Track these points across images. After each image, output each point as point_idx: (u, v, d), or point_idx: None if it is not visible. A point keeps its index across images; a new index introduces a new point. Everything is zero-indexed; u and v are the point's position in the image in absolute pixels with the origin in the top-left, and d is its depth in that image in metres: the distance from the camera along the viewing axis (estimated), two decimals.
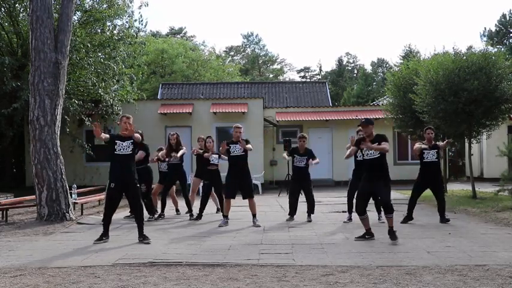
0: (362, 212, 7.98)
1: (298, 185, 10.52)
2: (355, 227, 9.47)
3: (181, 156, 11.29)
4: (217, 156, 11.02)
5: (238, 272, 5.90)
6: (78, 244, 8.00)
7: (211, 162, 10.98)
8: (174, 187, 12.11)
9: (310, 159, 10.45)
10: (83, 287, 5.35)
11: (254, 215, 9.90)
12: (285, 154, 10.87)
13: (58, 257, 6.94)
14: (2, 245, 8.03)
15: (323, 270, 5.93)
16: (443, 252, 6.87)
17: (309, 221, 10.24)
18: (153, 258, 6.67)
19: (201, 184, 11.57)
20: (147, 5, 19.03)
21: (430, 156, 9.83)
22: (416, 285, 5.19)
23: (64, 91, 11.84)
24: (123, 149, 8.01)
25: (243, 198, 10.01)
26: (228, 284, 5.36)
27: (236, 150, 9.75)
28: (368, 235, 8.04)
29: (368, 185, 7.91)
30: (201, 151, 11.25)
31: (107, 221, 8.17)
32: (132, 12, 18.89)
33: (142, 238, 8.00)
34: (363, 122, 7.95)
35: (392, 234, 7.72)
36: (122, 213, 12.00)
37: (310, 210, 10.45)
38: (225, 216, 9.94)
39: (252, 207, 9.93)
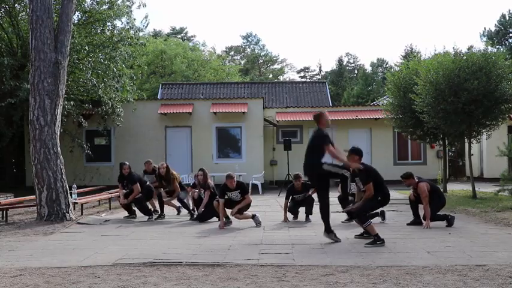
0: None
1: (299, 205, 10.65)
2: (355, 226, 9.46)
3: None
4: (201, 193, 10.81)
5: (238, 272, 5.90)
6: (78, 244, 8.01)
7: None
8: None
9: (310, 192, 10.46)
10: (83, 287, 5.35)
11: (253, 216, 9.90)
12: (283, 213, 10.54)
13: (58, 257, 6.93)
14: (2, 245, 8.03)
15: (323, 270, 5.93)
16: (443, 252, 6.86)
17: (308, 221, 10.24)
18: (153, 258, 6.67)
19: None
20: (145, 5, 19.08)
21: None
22: (416, 285, 5.19)
23: (64, 91, 11.85)
24: None
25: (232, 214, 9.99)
26: (228, 284, 5.36)
27: (233, 196, 9.84)
28: (366, 234, 8.04)
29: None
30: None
31: None
32: (131, 11, 18.89)
33: None
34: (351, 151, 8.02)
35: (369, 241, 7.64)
36: (121, 213, 12.02)
37: (309, 211, 10.45)
38: (225, 218, 9.90)
39: (246, 218, 9.94)
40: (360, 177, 7.84)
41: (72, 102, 16.70)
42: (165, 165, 11.44)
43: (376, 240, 7.46)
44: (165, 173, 11.31)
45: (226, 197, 9.83)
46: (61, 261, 6.67)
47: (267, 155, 21.20)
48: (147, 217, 11.03)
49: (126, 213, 11.54)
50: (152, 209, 11.34)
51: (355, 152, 7.92)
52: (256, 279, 5.55)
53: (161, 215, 11.19)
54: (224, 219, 9.85)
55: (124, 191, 11.31)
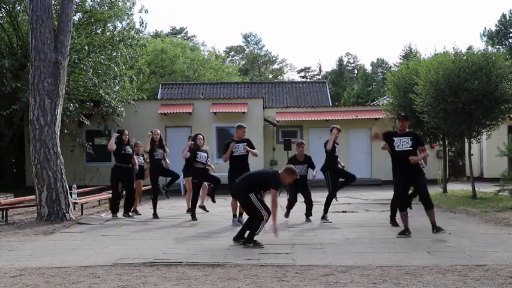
0: (404, 208, 8.17)
1: (295, 189, 10.41)
2: (355, 227, 9.47)
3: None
4: (205, 155, 11.00)
5: (238, 272, 5.90)
6: (78, 244, 8.01)
7: (198, 160, 10.93)
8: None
9: (311, 170, 10.42)
10: (83, 287, 5.35)
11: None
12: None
13: (58, 257, 6.93)
14: (2, 245, 8.03)
15: (323, 270, 5.93)
16: (443, 252, 6.86)
17: (308, 221, 10.21)
18: (153, 258, 6.67)
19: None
20: (147, 11, 19.10)
21: None
22: (416, 285, 5.19)
23: (64, 91, 11.84)
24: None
25: None
26: (228, 284, 5.36)
27: (239, 150, 9.70)
28: (407, 232, 8.14)
29: (403, 175, 8.11)
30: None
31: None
32: (132, 14, 18.92)
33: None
34: (402, 116, 8.26)
35: (437, 228, 7.99)
36: (121, 213, 12.00)
37: (308, 212, 10.39)
38: (236, 216, 9.71)
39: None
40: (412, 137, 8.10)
41: (76, 104, 16.71)
42: (158, 131, 11.59)
43: (406, 231, 8.06)
44: (159, 139, 11.44)
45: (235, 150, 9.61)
46: (61, 261, 6.67)
47: (267, 155, 21.19)
48: (125, 214, 11.19)
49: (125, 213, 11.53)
50: (133, 209, 11.59)
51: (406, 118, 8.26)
52: (256, 279, 5.55)
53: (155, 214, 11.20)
54: (235, 218, 9.74)
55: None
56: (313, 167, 10.43)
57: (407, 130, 8.21)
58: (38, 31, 11.14)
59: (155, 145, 11.33)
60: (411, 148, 7.98)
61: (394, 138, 8.11)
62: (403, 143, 8.02)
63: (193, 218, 10.71)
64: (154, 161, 11.35)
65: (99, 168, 20.08)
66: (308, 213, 10.38)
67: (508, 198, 12.21)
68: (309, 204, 10.39)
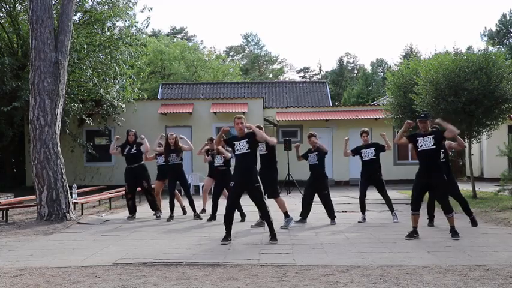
0: (416, 208, 8.07)
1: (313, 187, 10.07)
2: (355, 226, 9.47)
3: (180, 155, 11.24)
4: (220, 156, 10.76)
5: (239, 272, 5.90)
6: (78, 244, 8.01)
7: (216, 164, 10.84)
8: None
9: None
10: (83, 287, 5.35)
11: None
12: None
13: (58, 257, 6.94)
14: (2, 245, 8.03)
15: (323, 270, 5.93)
16: (443, 252, 6.86)
17: (304, 222, 10.02)
18: (153, 258, 6.67)
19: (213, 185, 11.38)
20: (151, 9, 18.98)
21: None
22: (416, 285, 5.19)
23: (64, 91, 11.84)
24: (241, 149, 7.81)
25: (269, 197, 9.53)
26: (228, 284, 5.36)
27: (262, 148, 9.34)
28: (416, 234, 8.04)
29: (425, 176, 7.99)
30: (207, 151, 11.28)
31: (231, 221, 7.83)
32: (135, 15, 18.86)
33: (272, 238, 7.78)
34: (422, 118, 8.21)
35: (454, 232, 7.93)
36: (121, 213, 12.02)
37: (305, 214, 10.10)
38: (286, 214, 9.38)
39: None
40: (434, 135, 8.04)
41: (80, 104, 16.69)
42: (174, 135, 11.31)
43: (414, 233, 8.03)
44: (175, 143, 11.15)
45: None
46: (61, 261, 6.67)
47: None
48: (154, 212, 11.10)
49: (127, 213, 11.53)
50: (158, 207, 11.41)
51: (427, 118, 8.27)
52: (256, 279, 5.55)
53: (171, 217, 10.88)
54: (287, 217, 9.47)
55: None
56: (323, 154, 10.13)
57: (430, 129, 8.19)
58: (38, 31, 11.14)
59: (170, 149, 11.09)
60: (434, 146, 7.94)
61: (417, 139, 8.11)
62: (426, 142, 8.01)
63: (213, 218, 10.60)
64: (169, 166, 11.16)
65: (99, 168, 20.09)
66: (304, 216, 10.09)
67: (508, 198, 12.22)
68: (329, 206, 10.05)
